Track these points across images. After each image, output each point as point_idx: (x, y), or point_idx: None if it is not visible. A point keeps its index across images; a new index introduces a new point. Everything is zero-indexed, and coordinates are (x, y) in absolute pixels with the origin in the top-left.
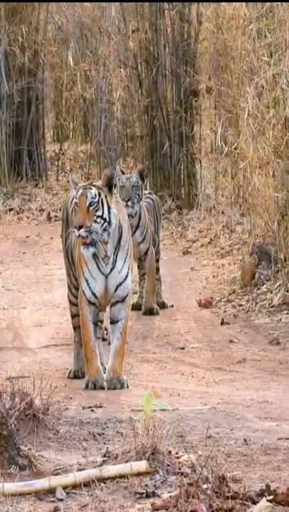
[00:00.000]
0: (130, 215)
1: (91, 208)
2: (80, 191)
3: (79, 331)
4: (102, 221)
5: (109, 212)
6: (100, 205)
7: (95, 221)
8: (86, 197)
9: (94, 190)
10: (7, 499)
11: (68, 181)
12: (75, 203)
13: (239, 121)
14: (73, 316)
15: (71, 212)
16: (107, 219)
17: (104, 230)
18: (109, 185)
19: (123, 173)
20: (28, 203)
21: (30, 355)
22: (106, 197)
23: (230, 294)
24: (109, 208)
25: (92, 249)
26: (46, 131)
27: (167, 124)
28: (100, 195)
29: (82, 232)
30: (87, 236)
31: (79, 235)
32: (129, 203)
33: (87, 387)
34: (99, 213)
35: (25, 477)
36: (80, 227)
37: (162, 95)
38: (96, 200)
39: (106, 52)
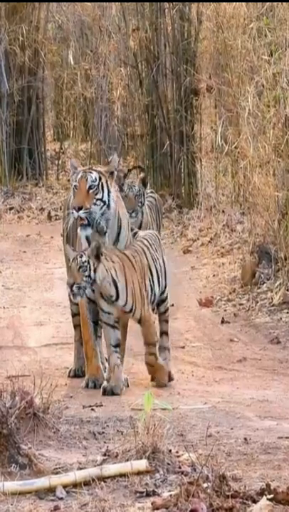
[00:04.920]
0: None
1: (91, 191)
2: (80, 174)
3: (79, 330)
4: (102, 204)
5: (108, 196)
6: (100, 188)
7: (95, 204)
8: (86, 180)
9: (94, 174)
10: (7, 498)
11: (69, 180)
12: (75, 185)
13: (239, 120)
14: (74, 314)
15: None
16: (106, 202)
17: (103, 213)
18: (111, 171)
19: (123, 184)
20: (28, 201)
21: (31, 354)
22: (106, 182)
23: (230, 293)
24: (108, 192)
25: (89, 230)
26: (46, 130)
27: (167, 123)
28: (100, 179)
29: (81, 213)
30: (86, 218)
31: (78, 216)
32: (133, 214)
33: (87, 386)
34: (98, 196)
35: (26, 476)
36: (80, 209)
37: (162, 94)
38: (96, 183)
39: (106, 51)
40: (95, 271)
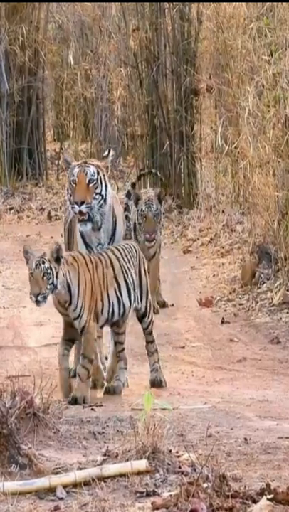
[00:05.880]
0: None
1: (91, 185)
2: (78, 168)
3: None
4: (100, 197)
5: (106, 190)
6: (98, 182)
7: (94, 198)
8: (86, 174)
9: (92, 168)
10: (7, 498)
11: None
12: (73, 180)
13: (239, 120)
14: None
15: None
16: (104, 196)
17: (100, 208)
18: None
19: (139, 198)
20: (28, 202)
21: (31, 354)
22: (104, 176)
23: (230, 293)
24: (106, 186)
25: (90, 225)
26: (46, 130)
27: (167, 123)
28: (98, 173)
29: (83, 208)
30: (87, 212)
31: (79, 211)
32: (154, 235)
33: None
34: (98, 190)
35: (26, 476)
36: (82, 203)
37: (162, 94)
38: (95, 177)
39: (106, 51)
40: (57, 276)
